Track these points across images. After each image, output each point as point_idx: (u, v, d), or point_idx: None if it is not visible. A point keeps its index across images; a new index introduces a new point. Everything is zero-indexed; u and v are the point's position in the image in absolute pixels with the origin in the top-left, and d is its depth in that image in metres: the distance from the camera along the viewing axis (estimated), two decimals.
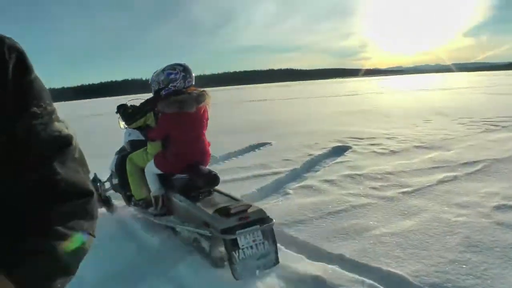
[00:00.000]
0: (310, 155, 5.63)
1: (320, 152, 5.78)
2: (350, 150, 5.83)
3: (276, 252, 2.44)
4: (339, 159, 5.30)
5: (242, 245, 2.35)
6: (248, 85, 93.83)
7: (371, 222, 2.96)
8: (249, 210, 2.51)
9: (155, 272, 2.55)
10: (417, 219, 3.00)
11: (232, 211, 2.43)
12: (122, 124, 3.64)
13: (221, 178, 4.53)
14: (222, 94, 45.32)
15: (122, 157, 3.66)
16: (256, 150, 6.38)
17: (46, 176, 0.59)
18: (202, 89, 3.17)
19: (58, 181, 0.60)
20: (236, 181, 4.52)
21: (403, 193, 3.63)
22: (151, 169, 3.22)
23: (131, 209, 3.70)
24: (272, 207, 3.48)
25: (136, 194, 3.43)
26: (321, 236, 2.80)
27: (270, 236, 2.47)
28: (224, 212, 2.44)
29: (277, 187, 4.27)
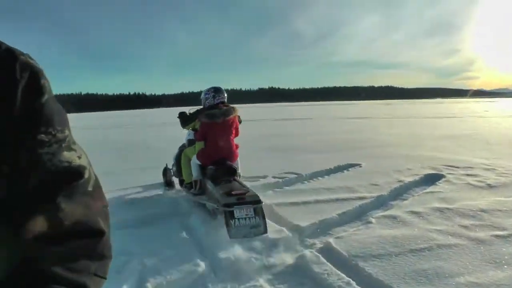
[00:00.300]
0: (400, 181, 5.28)
1: (410, 179, 5.38)
2: (443, 179, 5.33)
3: (265, 225, 3.31)
4: (429, 189, 4.87)
5: (237, 216, 3.29)
6: (348, 101, 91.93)
7: (456, 267, 2.64)
8: (247, 194, 3.50)
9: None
10: (511, 271, 2.63)
11: (233, 193, 3.49)
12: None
13: (303, 198, 4.52)
14: (318, 109, 44.99)
15: (180, 151, 4.96)
16: (345, 171, 6.15)
17: (47, 212, 0.54)
18: (231, 105, 4.42)
19: (60, 218, 0.54)
20: (318, 203, 4.37)
21: (497, 236, 3.18)
22: (195, 161, 4.42)
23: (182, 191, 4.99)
24: (351, 235, 3.30)
25: (186, 179, 4.64)
26: (398, 276, 2.56)
27: (261, 214, 3.36)
28: (227, 193, 3.51)
29: (360, 214, 4.05)
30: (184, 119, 4.72)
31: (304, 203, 4.39)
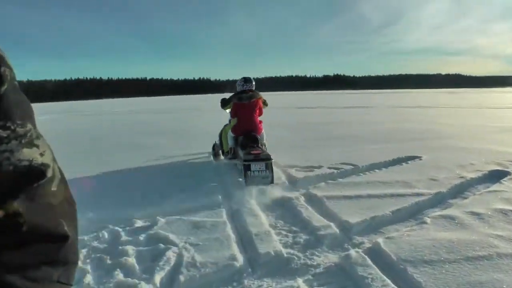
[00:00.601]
0: (462, 177, 4.87)
1: (473, 175, 4.93)
2: (508, 176, 4.82)
3: (273, 178, 4.47)
4: (493, 187, 4.41)
5: (253, 169, 4.39)
6: (414, 90, 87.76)
7: None
8: (262, 154, 4.59)
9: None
10: None
11: (251, 152, 4.62)
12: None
13: (357, 192, 4.31)
14: (381, 97, 43.27)
15: (223, 127, 6.19)
16: (403, 164, 5.79)
17: (4, 216, 0.48)
18: (256, 91, 5.80)
19: (19, 223, 0.48)
20: (372, 198, 4.13)
21: None
22: (230, 134, 5.72)
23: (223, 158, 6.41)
24: (403, 236, 3.05)
25: (224, 148, 5.97)
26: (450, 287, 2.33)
27: (270, 168, 4.45)
28: (248, 153, 4.61)
29: (415, 212, 3.78)
30: (223, 102, 6.02)
31: (357, 197, 4.18)
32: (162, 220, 3.62)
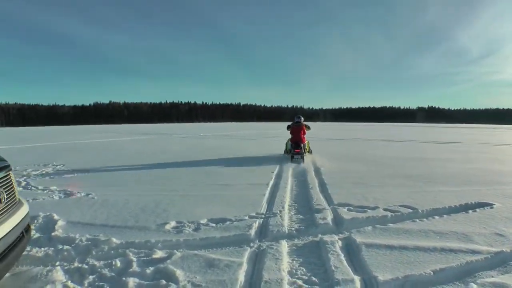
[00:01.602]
0: None
1: None
2: None
3: (303, 160, 10.01)
4: None
5: (294, 158, 10.04)
6: (509, 125, 78.28)
7: None
8: (299, 152, 10.15)
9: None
10: None
11: (295, 151, 10.25)
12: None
13: (403, 241, 3.68)
14: (474, 132, 39.23)
15: (287, 140, 11.34)
16: (470, 211, 4.88)
17: None
18: (301, 122, 11.14)
19: None
20: (417, 250, 3.46)
21: None
22: (288, 142, 10.85)
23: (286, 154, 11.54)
24: None
25: (286, 149, 11.01)
26: None
27: (302, 157, 10.02)
28: (292, 152, 10.29)
29: (464, 274, 3.02)
30: (287, 127, 11.34)
31: (401, 248, 3.54)
32: (178, 254, 3.43)
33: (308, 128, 11.30)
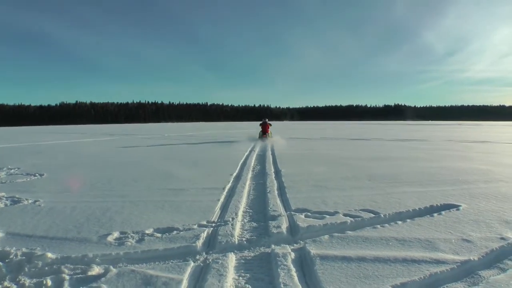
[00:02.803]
0: (502, 238, 3.73)
1: None
2: None
3: (267, 139, 20.68)
4: None
5: (262, 138, 20.79)
6: (473, 122, 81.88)
7: None
8: (266, 136, 21.29)
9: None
10: None
11: (263, 136, 21.28)
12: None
13: (361, 252, 3.39)
14: (440, 129, 40.54)
15: (260, 130, 22.19)
16: (435, 214, 4.67)
17: None
18: (267, 121, 22.03)
19: None
20: (376, 262, 3.17)
21: None
22: (260, 132, 21.78)
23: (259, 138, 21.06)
24: None
25: (259, 135, 21.60)
26: None
27: (267, 138, 21.04)
28: (261, 134, 21.59)
29: None
30: (259, 124, 22.36)
31: (360, 259, 3.25)
32: (114, 271, 3.08)
33: (271, 125, 22.38)
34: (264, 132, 21.35)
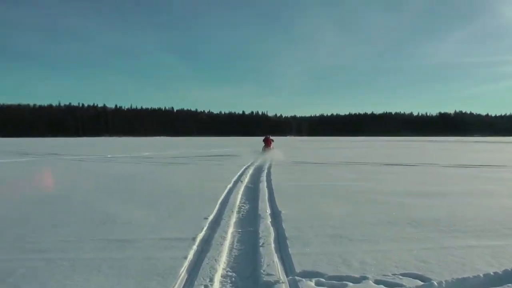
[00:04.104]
0: None
1: None
2: None
3: (269, 151, 35.13)
4: None
5: (264, 150, 35.25)
6: None
7: None
8: (270, 148, 36.28)
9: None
10: None
11: (265, 149, 35.90)
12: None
13: None
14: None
15: (263, 144, 37.38)
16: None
17: None
18: (269, 137, 38.22)
19: None
20: None
21: None
22: (263, 146, 36.57)
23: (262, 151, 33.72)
24: None
25: (262, 149, 35.92)
26: None
27: (271, 151, 35.12)
28: (264, 148, 36.15)
29: None
30: (263, 140, 37.39)
31: None
32: None
33: (273, 140, 36.56)
34: (267, 146, 35.47)
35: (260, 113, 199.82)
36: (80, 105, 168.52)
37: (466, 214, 8.33)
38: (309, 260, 5.39)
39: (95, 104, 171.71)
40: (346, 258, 5.43)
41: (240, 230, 7.20)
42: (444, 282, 4.59)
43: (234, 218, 8.13)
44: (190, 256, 5.66)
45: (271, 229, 7.12)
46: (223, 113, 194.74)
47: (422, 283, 4.61)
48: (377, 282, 4.64)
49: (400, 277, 4.78)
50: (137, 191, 11.63)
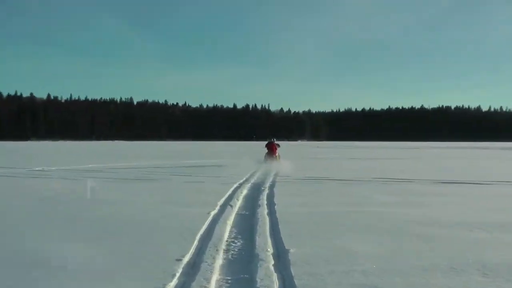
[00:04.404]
0: None
1: None
2: None
3: (275, 161, 45.11)
4: None
5: (267, 160, 45.46)
6: None
7: None
8: (274, 155, 47.86)
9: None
10: None
11: (269, 157, 46.90)
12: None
13: None
14: None
15: (265, 152, 48.15)
16: None
17: None
18: (274, 141, 49.28)
19: None
20: None
21: None
22: (266, 153, 48.12)
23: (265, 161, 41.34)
24: None
25: (264, 157, 46.39)
26: None
27: (275, 160, 45.53)
28: (267, 156, 47.36)
29: None
30: (265, 145, 47.33)
31: None
32: None
33: (279, 146, 44.30)
34: (270, 154, 40.92)
35: (258, 106, 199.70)
36: None
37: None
38: None
39: (19, 94, 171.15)
40: None
41: (229, 278, 7.12)
42: None
43: (220, 260, 8.05)
44: None
45: (274, 276, 7.04)
46: (204, 106, 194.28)
47: None
48: None
49: None
50: (80, 220, 11.59)
